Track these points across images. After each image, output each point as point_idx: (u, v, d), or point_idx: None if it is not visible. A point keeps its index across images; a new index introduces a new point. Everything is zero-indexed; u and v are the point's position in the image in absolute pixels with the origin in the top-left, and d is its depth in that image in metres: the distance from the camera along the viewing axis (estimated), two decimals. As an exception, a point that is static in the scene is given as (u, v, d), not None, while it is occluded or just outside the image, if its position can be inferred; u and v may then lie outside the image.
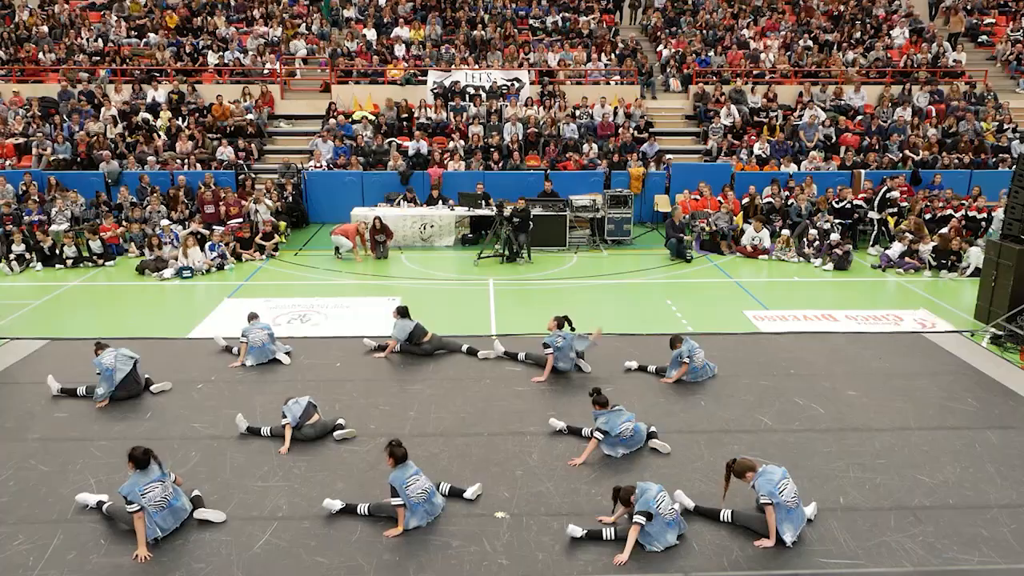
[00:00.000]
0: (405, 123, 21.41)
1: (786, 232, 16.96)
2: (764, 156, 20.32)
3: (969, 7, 27.24)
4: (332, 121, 21.27)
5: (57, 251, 15.69)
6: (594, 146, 20.45)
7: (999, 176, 18.95)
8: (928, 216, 17.37)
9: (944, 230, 16.24)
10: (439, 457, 8.08)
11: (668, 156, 20.40)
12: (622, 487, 6.80)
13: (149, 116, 21.16)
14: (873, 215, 17.25)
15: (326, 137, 20.37)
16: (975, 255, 14.98)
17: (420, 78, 23.09)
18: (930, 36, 25.30)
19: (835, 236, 16.17)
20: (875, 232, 17.17)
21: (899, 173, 19.42)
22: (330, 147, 20.21)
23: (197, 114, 21.44)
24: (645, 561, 6.47)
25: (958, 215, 17.28)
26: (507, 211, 16.11)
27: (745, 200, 18.22)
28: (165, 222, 16.81)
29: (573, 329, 10.23)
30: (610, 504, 7.08)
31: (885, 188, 17.68)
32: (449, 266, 16.04)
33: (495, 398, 9.49)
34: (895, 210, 17.77)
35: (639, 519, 6.47)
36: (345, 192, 19.06)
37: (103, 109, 21.18)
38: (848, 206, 17.41)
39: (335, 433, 8.48)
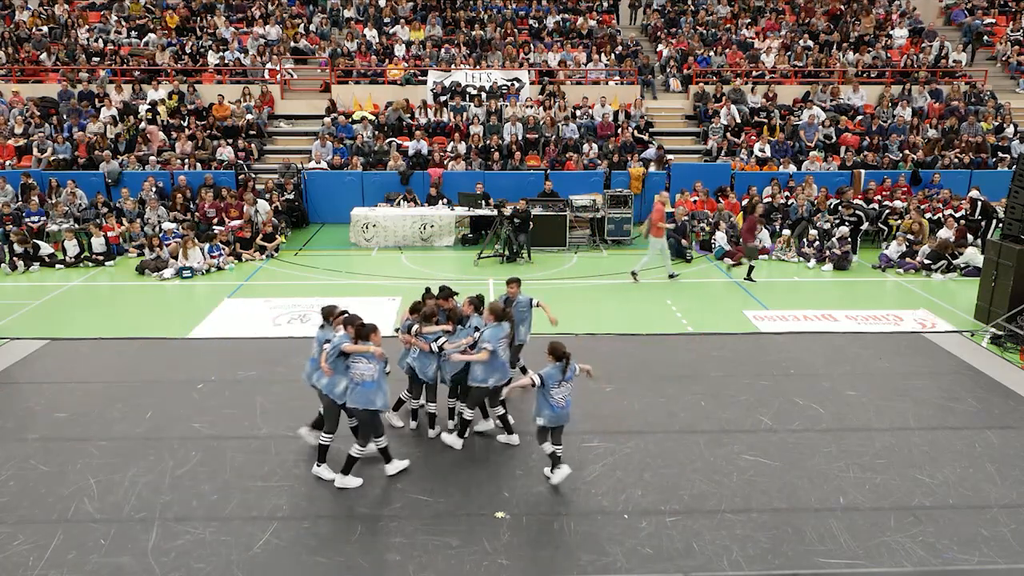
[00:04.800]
0: (405, 123, 21.41)
1: (786, 232, 16.95)
2: (764, 156, 20.31)
3: (970, 6, 27.25)
4: (327, 120, 21.26)
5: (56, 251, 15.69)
6: (594, 146, 20.44)
7: (999, 176, 18.95)
8: (928, 216, 17.35)
9: (944, 232, 16.20)
10: (440, 458, 8.08)
11: (669, 156, 20.39)
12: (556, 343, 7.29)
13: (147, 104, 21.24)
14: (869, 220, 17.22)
15: (324, 139, 20.36)
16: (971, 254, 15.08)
17: (420, 78, 23.09)
18: (930, 35, 25.33)
19: (844, 229, 16.08)
20: (870, 237, 17.14)
21: (899, 173, 19.44)
22: (329, 147, 20.20)
23: (196, 115, 21.43)
24: (645, 561, 6.48)
25: (957, 215, 17.26)
26: (507, 211, 16.09)
27: (745, 201, 18.19)
28: (168, 225, 16.75)
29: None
30: (609, 504, 7.09)
31: (878, 203, 17.61)
32: (449, 266, 16.02)
33: (495, 398, 9.47)
34: (890, 208, 17.74)
35: (534, 377, 7.17)
36: (345, 192, 19.07)
37: (103, 109, 21.18)
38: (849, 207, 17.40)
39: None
